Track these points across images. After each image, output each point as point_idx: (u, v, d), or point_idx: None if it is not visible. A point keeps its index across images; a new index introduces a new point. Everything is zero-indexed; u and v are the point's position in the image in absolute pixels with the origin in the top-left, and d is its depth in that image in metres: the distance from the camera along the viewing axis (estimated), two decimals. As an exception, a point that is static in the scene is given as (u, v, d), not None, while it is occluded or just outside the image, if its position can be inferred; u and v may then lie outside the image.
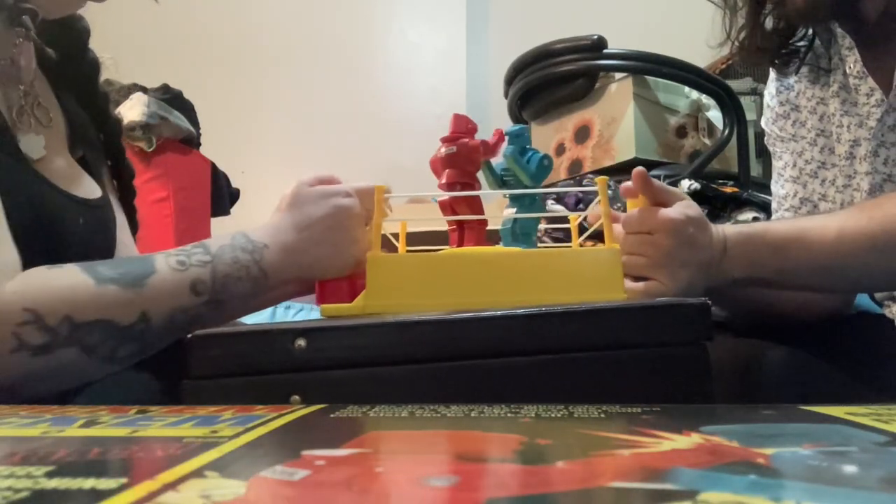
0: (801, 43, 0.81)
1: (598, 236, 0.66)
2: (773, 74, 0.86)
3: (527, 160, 0.65)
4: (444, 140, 0.64)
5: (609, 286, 0.57)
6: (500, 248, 0.63)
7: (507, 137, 0.65)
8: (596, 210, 0.66)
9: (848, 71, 0.76)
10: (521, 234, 0.65)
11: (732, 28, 0.81)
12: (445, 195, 0.64)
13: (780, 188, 0.85)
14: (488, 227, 0.65)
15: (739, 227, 0.68)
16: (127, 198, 0.77)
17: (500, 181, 0.67)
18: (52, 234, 0.59)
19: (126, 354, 0.51)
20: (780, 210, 0.86)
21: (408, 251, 0.68)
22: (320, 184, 0.62)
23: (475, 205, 0.64)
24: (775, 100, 0.86)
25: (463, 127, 0.65)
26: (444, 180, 0.64)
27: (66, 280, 0.49)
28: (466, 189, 0.64)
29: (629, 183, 0.65)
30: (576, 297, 0.53)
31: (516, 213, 0.65)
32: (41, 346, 0.47)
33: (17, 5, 0.59)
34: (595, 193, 0.61)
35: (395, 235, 0.70)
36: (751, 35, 0.79)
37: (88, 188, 0.67)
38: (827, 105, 0.80)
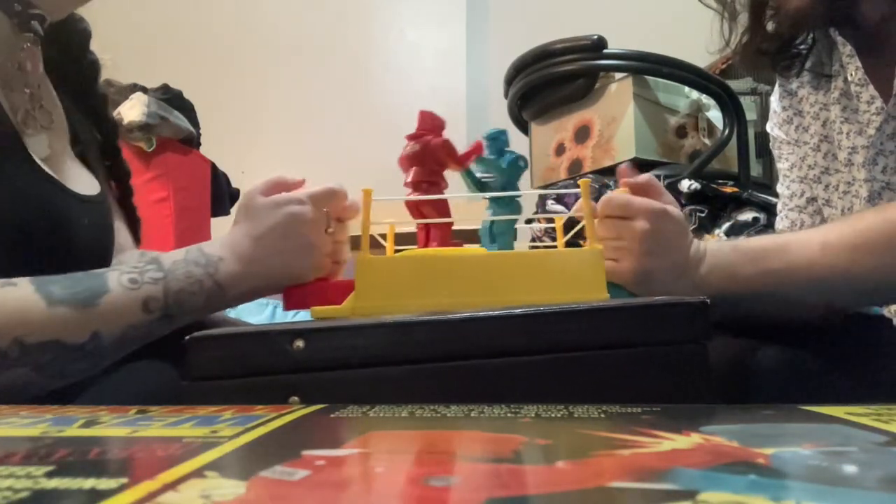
0: (803, 46, 0.80)
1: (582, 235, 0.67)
2: (777, 80, 0.86)
3: (501, 161, 0.66)
4: (409, 137, 0.64)
5: (591, 286, 0.57)
6: (484, 249, 0.63)
7: (486, 142, 0.66)
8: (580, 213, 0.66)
9: (849, 78, 0.75)
10: (497, 234, 0.66)
11: (732, 33, 0.81)
12: (435, 196, 0.64)
13: (786, 189, 0.85)
14: (457, 227, 0.65)
15: (721, 241, 0.67)
16: (125, 197, 0.77)
17: (479, 184, 0.67)
18: (60, 233, 0.59)
19: (75, 371, 0.51)
20: (784, 210, 0.85)
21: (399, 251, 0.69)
22: (273, 188, 0.62)
23: (441, 205, 0.64)
24: (779, 105, 0.86)
25: (429, 124, 0.64)
26: (409, 179, 0.64)
27: (17, 301, 0.49)
28: (432, 188, 0.63)
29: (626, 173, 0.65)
30: (559, 297, 0.54)
31: (492, 214, 0.66)
32: None
33: (27, 11, 0.60)
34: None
35: (382, 236, 0.71)
36: (751, 38, 0.79)
37: (89, 185, 0.67)
38: (829, 111, 0.79)
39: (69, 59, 0.71)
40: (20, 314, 0.48)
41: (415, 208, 0.64)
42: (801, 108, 0.83)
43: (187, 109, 1.90)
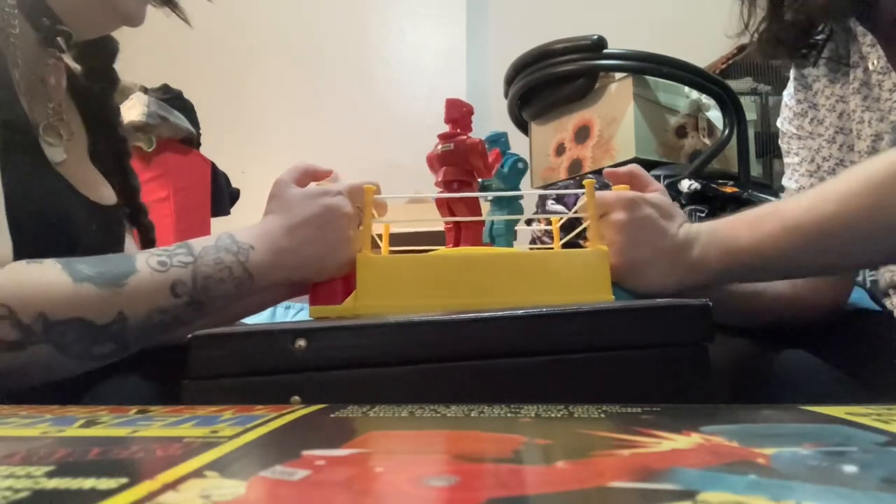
0: (821, 36, 0.80)
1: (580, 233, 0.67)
2: (792, 74, 0.86)
3: (501, 164, 0.65)
4: (442, 137, 0.64)
5: (596, 287, 0.57)
6: (487, 248, 0.63)
7: (486, 143, 0.66)
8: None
9: (871, 67, 0.75)
10: (496, 235, 0.66)
11: (751, 19, 0.80)
12: (441, 195, 0.64)
13: (794, 182, 0.85)
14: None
15: (718, 219, 0.66)
16: (135, 214, 0.76)
17: (481, 184, 0.67)
18: (65, 233, 0.59)
19: (101, 353, 0.50)
20: None
21: (399, 251, 0.68)
22: (303, 177, 0.61)
23: (472, 204, 0.63)
24: (793, 99, 0.86)
25: (457, 112, 0.63)
26: (440, 178, 0.64)
27: (43, 276, 0.48)
28: (464, 187, 0.63)
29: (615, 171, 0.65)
30: (563, 298, 0.53)
31: (493, 214, 0.66)
32: (13, 343, 0.47)
33: (54, 27, 0.61)
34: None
35: (381, 236, 0.70)
36: (769, 26, 0.79)
37: (105, 195, 0.68)
38: (847, 102, 0.79)
39: (94, 77, 0.72)
40: (45, 289, 0.48)
41: (445, 207, 0.64)
42: (816, 101, 0.83)
43: (187, 109, 1.90)
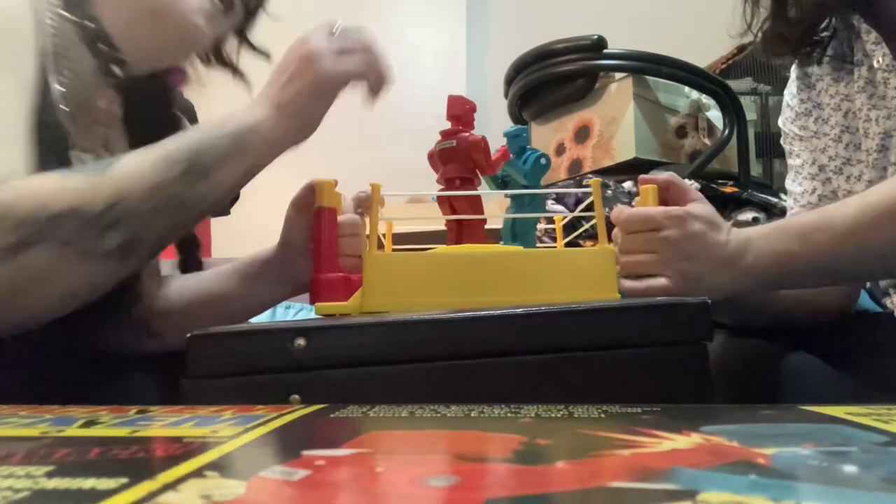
0: (825, 34, 0.80)
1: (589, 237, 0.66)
2: (793, 74, 0.86)
3: (523, 161, 0.65)
4: (444, 134, 0.63)
5: (603, 286, 0.57)
6: (496, 246, 0.62)
7: (506, 139, 0.65)
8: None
9: (876, 65, 0.75)
10: (519, 233, 0.65)
11: (754, 18, 0.80)
12: (443, 193, 0.64)
13: (798, 185, 0.85)
14: (486, 226, 0.64)
15: (762, 225, 0.66)
16: (189, 266, 0.76)
17: (501, 181, 0.67)
18: None
19: (109, 246, 0.49)
20: (795, 206, 0.85)
21: (401, 250, 0.68)
22: (304, 192, 0.64)
23: (475, 201, 0.63)
24: (796, 98, 0.85)
25: (460, 109, 0.63)
26: (442, 175, 0.63)
27: (35, 180, 0.49)
28: (466, 184, 0.62)
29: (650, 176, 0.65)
30: (570, 296, 0.53)
31: (514, 212, 0.65)
32: (12, 245, 0.46)
33: (111, 54, 0.62)
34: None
35: (384, 235, 0.70)
36: (773, 24, 0.78)
37: None
38: (852, 101, 0.79)
39: (148, 117, 0.73)
40: (36, 187, 0.49)
41: (447, 204, 0.63)
42: (821, 101, 0.83)
43: (187, 109, 1.90)
